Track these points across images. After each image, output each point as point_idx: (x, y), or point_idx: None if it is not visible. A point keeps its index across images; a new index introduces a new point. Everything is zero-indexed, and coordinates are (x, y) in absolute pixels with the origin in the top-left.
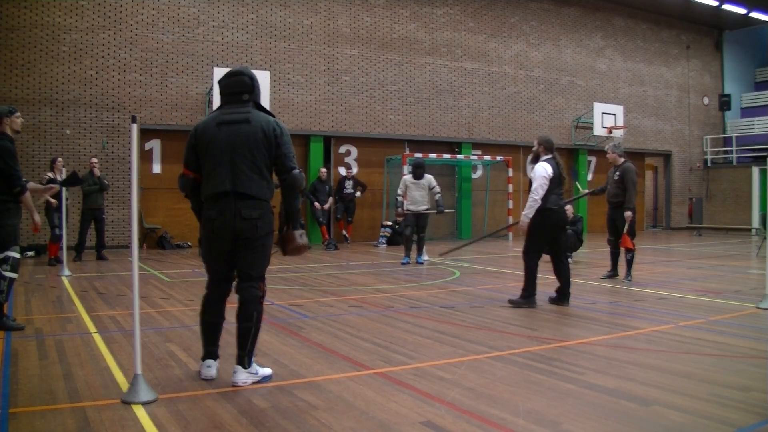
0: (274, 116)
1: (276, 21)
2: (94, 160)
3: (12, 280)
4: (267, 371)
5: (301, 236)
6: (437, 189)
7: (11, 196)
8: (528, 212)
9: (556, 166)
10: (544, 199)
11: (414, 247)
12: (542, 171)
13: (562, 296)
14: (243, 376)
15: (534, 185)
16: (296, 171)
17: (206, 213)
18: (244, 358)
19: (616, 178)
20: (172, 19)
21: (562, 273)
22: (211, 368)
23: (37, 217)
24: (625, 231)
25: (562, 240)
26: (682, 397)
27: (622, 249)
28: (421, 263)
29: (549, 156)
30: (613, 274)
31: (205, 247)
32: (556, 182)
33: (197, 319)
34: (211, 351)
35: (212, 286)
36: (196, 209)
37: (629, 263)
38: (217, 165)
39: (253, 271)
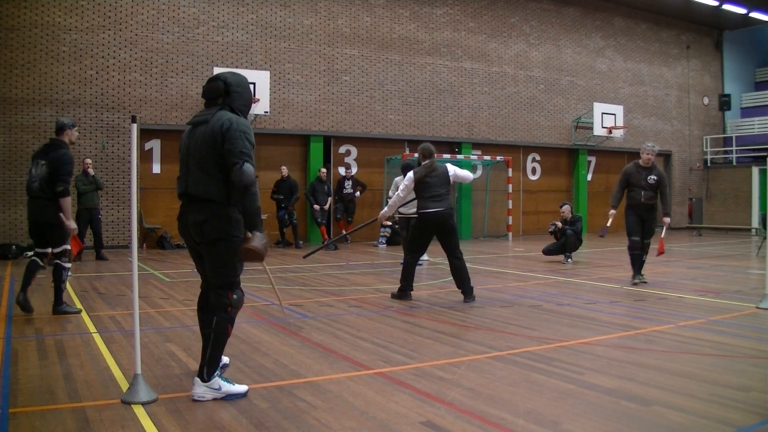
0: (245, 119)
1: (276, 21)
2: (88, 160)
3: (69, 269)
4: (237, 389)
5: (258, 239)
6: None
7: (53, 195)
8: (385, 211)
9: (425, 173)
10: (417, 203)
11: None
12: (405, 179)
13: (465, 293)
14: (200, 390)
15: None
16: (239, 165)
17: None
18: (203, 369)
19: (651, 181)
20: (172, 19)
21: (455, 272)
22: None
23: (73, 224)
24: (663, 235)
25: (450, 242)
26: (682, 397)
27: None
28: (420, 265)
29: (425, 162)
30: (640, 277)
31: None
32: (426, 187)
33: (197, 319)
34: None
35: (203, 284)
36: None
37: (641, 264)
38: (180, 166)
39: (214, 278)
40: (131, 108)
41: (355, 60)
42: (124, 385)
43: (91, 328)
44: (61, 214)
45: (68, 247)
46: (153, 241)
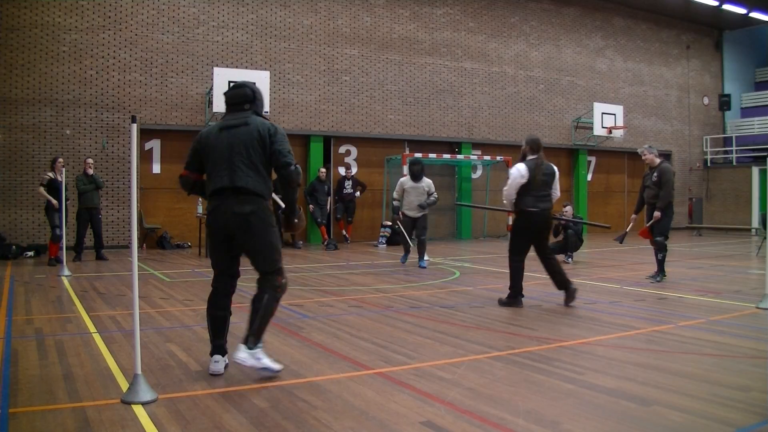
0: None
1: (276, 21)
2: (89, 160)
3: None
4: (273, 365)
5: (300, 220)
6: (434, 197)
7: None
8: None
9: (534, 168)
10: (523, 200)
11: (413, 248)
12: (515, 172)
13: (570, 294)
14: (243, 355)
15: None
16: (293, 166)
17: (207, 208)
18: (249, 338)
19: (654, 179)
20: (172, 19)
21: (555, 272)
22: (219, 363)
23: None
24: (648, 225)
25: (543, 243)
26: (682, 397)
27: (652, 247)
28: (424, 267)
29: (533, 156)
30: (660, 275)
31: (209, 241)
32: (534, 184)
33: (197, 319)
34: (218, 345)
35: (216, 280)
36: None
37: (660, 263)
38: (217, 164)
39: (262, 266)
40: (131, 108)
41: (355, 60)
42: (124, 385)
43: (91, 328)
44: None
45: None
46: (153, 241)
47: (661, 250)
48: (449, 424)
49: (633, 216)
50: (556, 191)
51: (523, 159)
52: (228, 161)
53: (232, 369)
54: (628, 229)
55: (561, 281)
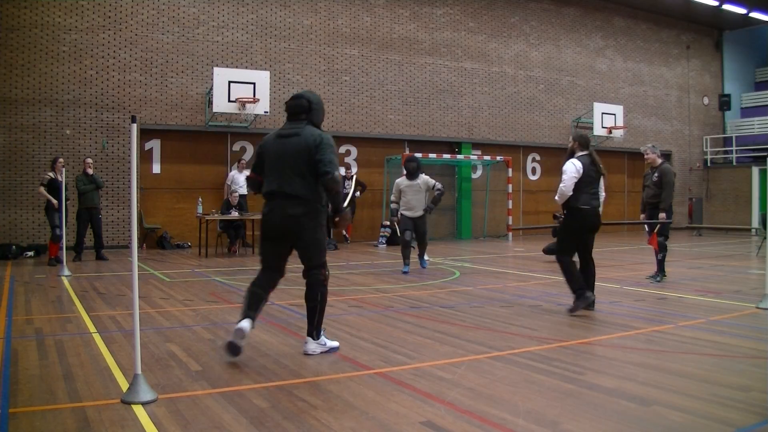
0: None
1: (276, 21)
2: (89, 160)
3: None
4: (334, 344)
5: (347, 214)
6: (440, 189)
7: None
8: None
9: (589, 164)
10: (575, 197)
11: (413, 250)
12: (570, 167)
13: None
14: (312, 346)
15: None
16: (331, 175)
17: (263, 209)
18: (313, 332)
19: (654, 179)
20: (172, 19)
21: (590, 276)
22: (244, 324)
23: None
24: (655, 230)
25: (590, 243)
26: (682, 397)
27: (653, 248)
28: (425, 267)
29: (584, 153)
30: (660, 275)
31: (260, 237)
32: (586, 179)
33: (197, 319)
34: (248, 314)
35: (261, 272)
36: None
37: (660, 263)
38: (271, 169)
39: (310, 261)
40: (131, 108)
41: (355, 60)
42: (124, 385)
43: (91, 328)
44: None
45: None
46: (153, 241)
47: (661, 250)
48: (449, 424)
49: (643, 216)
50: (602, 191)
51: (571, 156)
52: (279, 168)
53: (232, 368)
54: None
55: (591, 285)
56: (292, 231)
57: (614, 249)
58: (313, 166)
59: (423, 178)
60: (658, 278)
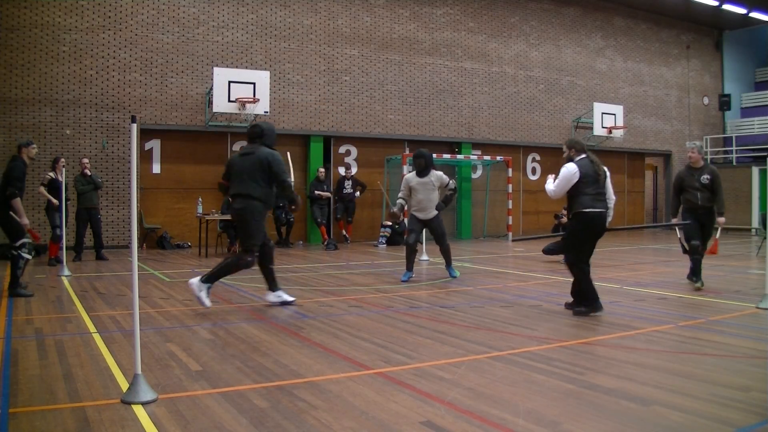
0: (275, 150)
1: (276, 21)
2: (85, 160)
3: (27, 260)
4: (207, 301)
5: (299, 201)
6: (452, 185)
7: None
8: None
9: (588, 164)
10: (577, 201)
11: (416, 258)
12: (564, 171)
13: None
14: (193, 280)
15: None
16: (288, 183)
17: (228, 204)
18: (206, 277)
19: (705, 181)
20: (172, 19)
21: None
22: (268, 296)
23: (26, 220)
24: (717, 236)
25: (590, 247)
26: (682, 397)
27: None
28: (455, 276)
29: (582, 156)
30: (700, 282)
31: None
32: (588, 182)
33: (197, 319)
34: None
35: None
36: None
37: (699, 265)
38: (236, 178)
39: (241, 243)
40: (131, 108)
41: (355, 60)
42: (124, 385)
43: (91, 328)
44: (12, 213)
45: (27, 240)
46: (153, 241)
47: (693, 253)
48: (449, 424)
49: (675, 220)
50: (611, 195)
51: (568, 162)
52: (240, 177)
53: (232, 369)
54: (679, 236)
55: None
56: (236, 219)
57: (614, 249)
58: (266, 176)
59: (436, 174)
60: (699, 283)
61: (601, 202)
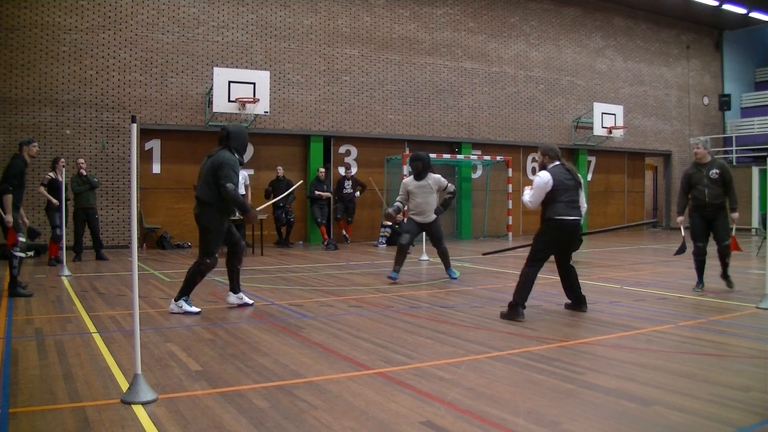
0: (234, 155)
1: (276, 21)
2: (81, 160)
3: (22, 258)
4: (194, 309)
5: (252, 213)
6: (451, 189)
7: None
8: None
9: (562, 172)
10: (550, 209)
11: (405, 258)
12: (537, 180)
13: (581, 301)
14: (172, 305)
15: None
16: (224, 186)
17: None
18: (178, 297)
19: (714, 176)
20: (172, 19)
21: (573, 280)
22: (230, 297)
23: (9, 218)
24: (733, 233)
25: (569, 254)
26: (682, 397)
27: (718, 253)
28: (455, 277)
29: (555, 163)
30: (702, 285)
31: None
32: (562, 189)
33: (197, 319)
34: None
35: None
36: None
37: (727, 266)
38: (198, 181)
39: (199, 247)
40: (131, 108)
41: (355, 60)
42: (124, 385)
43: (91, 328)
44: None
45: (22, 239)
46: (153, 241)
47: (728, 254)
48: (449, 424)
49: (680, 219)
50: (583, 202)
51: (542, 169)
52: (200, 181)
53: (232, 369)
54: (684, 234)
55: (575, 298)
56: (197, 222)
57: (614, 249)
58: (216, 180)
59: (434, 177)
60: (731, 285)
61: (575, 209)
